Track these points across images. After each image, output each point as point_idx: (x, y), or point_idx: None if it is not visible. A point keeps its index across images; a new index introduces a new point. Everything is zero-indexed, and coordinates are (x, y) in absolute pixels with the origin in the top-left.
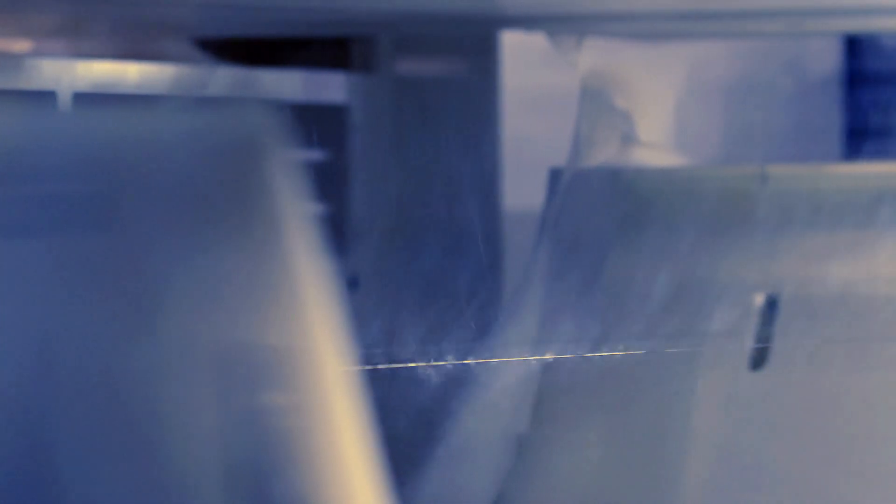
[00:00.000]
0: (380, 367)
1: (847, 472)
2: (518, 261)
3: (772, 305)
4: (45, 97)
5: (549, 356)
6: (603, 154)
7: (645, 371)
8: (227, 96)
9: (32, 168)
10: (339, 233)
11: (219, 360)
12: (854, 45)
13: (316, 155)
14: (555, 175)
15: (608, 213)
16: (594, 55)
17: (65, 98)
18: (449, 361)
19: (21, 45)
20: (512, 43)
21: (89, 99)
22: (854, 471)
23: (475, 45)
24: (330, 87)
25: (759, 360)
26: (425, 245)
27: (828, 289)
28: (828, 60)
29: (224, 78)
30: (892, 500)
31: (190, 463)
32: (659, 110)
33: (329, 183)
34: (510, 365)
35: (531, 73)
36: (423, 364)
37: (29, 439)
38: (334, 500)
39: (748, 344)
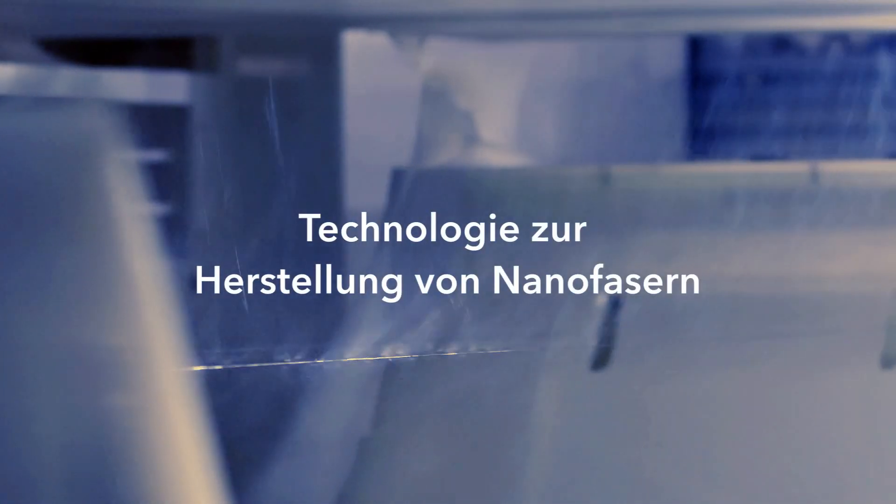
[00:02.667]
0: (221, 367)
1: (686, 471)
2: (361, 261)
3: (614, 306)
4: None
5: (391, 357)
6: (445, 154)
7: (487, 371)
8: (67, 96)
9: None
10: (180, 233)
11: (54, 360)
12: (696, 46)
13: (157, 155)
14: (397, 175)
15: (450, 213)
16: (436, 55)
17: None
18: (291, 362)
19: None
20: (354, 43)
21: None
22: (693, 469)
23: (317, 45)
24: (172, 87)
25: (600, 360)
26: (267, 244)
27: (669, 288)
28: (670, 60)
29: (65, 78)
30: (731, 497)
31: (26, 464)
32: (501, 110)
33: (170, 183)
34: (352, 365)
35: (373, 73)
36: (265, 364)
37: None
38: (171, 501)
39: (590, 344)
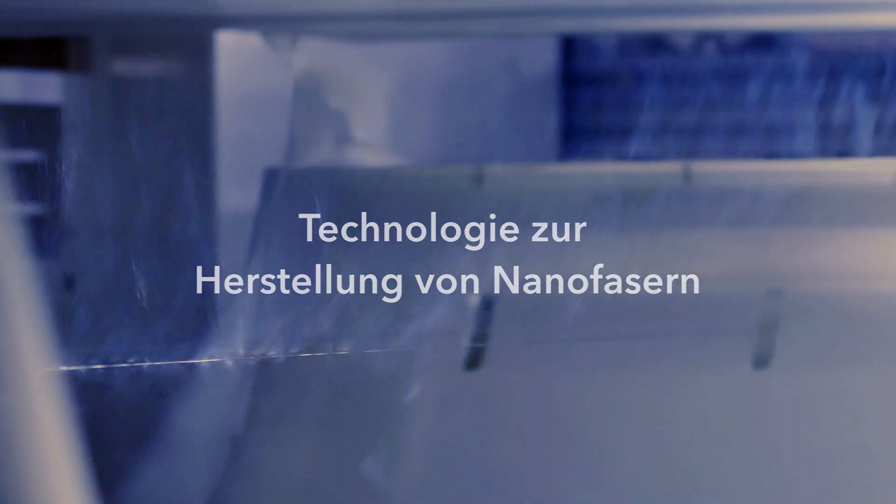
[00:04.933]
0: (94, 366)
1: (560, 470)
2: (233, 261)
3: (487, 306)
4: None
5: (263, 356)
6: (318, 154)
7: (361, 371)
8: None
9: None
10: (52, 233)
11: None
12: (569, 46)
13: (29, 155)
14: (270, 175)
15: (323, 214)
16: (309, 55)
17: None
18: (163, 361)
19: None
20: (227, 43)
21: None
22: (567, 469)
23: (191, 45)
24: (44, 87)
25: (473, 360)
26: (140, 245)
27: (542, 289)
28: (544, 61)
29: None
30: (604, 496)
31: None
32: (374, 110)
33: (42, 183)
34: (224, 365)
35: (246, 73)
36: (138, 363)
37: None
38: (38, 502)
39: (463, 344)
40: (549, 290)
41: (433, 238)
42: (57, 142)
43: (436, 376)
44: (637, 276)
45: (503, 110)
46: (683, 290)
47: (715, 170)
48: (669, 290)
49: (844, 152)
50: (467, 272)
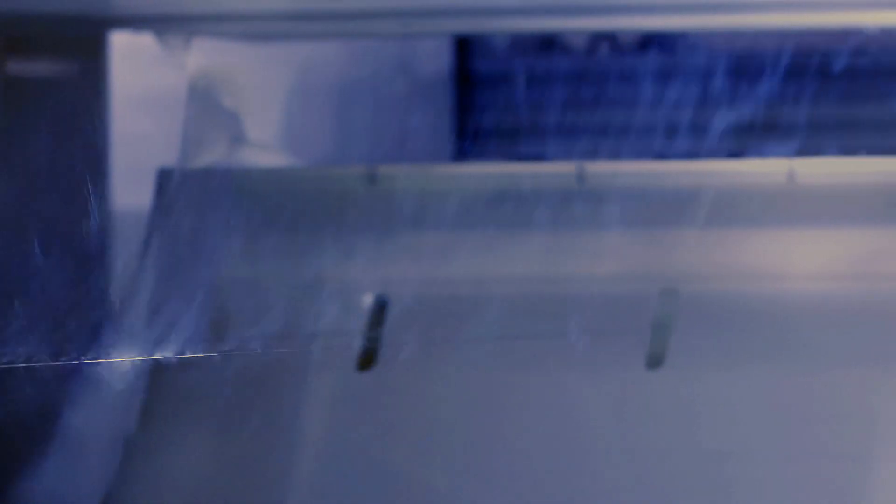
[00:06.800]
0: None
1: (454, 469)
2: (127, 261)
3: (381, 306)
4: None
5: (158, 356)
6: (212, 154)
7: (255, 371)
8: None
9: None
10: None
11: None
12: (463, 46)
13: None
14: (163, 175)
15: (217, 214)
16: (202, 56)
17: None
18: (56, 361)
19: None
20: (121, 43)
21: None
22: (461, 468)
23: (84, 45)
24: None
25: (367, 360)
26: (32, 244)
27: (437, 289)
28: (438, 61)
29: None
30: (500, 495)
31: None
32: (268, 111)
33: None
34: (119, 365)
35: (140, 73)
36: (31, 364)
37: None
38: None
39: (357, 344)
40: (443, 291)
41: (326, 237)
42: None
43: (328, 376)
44: (531, 277)
45: (397, 111)
46: (577, 291)
47: (609, 170)
48: (563, 291)
49: (739, 153)
50: (361, 272)
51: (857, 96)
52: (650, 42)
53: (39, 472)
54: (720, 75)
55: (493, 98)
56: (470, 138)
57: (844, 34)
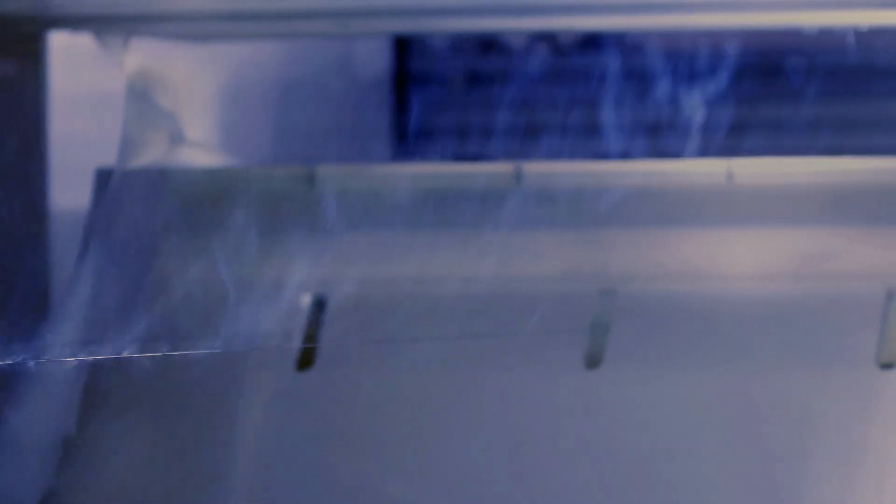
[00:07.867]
0: None
1: (393, 469)
2: (65, 261)
3: (319, 306)
4: None
5: (96, 357)
6: (150, 154)
7: (193, 372)
8: None
9: None
10: None
11: None
12: (403, 46)
13: None
14: (102, 176)
15: (155, 214)
16: (140, 56)
17: None
18: None
19: None
20: (59, 43)
21: None
22: (399, 468)
23: (22, 45)
24: None
25: (305, 360)
26: None
27: (375, 290)
28: (377, 61)
29: None
30: (442, 496)
31: None
32: (206, 110)
33: None
34: (57, 366)
35: (78, 73)
36: None
37: None
38: None
39: (295, 344)
40: (381, 290)
41: (264, 237)
42: None
43: (267, 376)
44: (469, 277)
45: (336, 111)
46: (515, 291)
47: (546, 170)
48: (501, 291)
49: (677, 153)
50: (299, 272)
51: (802, 96)
52: (591, 42)
53: None
54: (663, 76)
55: (432, 98)
56: (409, 138)
57: (791, 34)
